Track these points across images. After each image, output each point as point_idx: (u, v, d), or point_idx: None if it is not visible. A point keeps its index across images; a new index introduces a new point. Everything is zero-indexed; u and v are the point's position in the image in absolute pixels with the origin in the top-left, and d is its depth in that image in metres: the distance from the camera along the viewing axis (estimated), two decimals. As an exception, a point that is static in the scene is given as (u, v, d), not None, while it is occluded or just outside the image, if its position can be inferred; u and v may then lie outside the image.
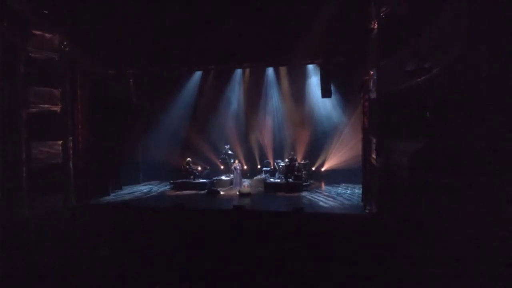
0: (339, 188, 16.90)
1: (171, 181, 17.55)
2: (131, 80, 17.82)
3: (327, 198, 14.96)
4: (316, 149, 18.37)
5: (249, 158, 19.58)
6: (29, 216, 11.73)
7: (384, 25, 10.94)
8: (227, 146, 18.94)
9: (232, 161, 18.36)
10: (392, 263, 7.20)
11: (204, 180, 17.37)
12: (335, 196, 15.32)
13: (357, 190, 15.57)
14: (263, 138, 19.36)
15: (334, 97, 16.28)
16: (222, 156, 18.85)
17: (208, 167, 19.02)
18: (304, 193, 15.86)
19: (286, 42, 14.21)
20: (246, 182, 17.80)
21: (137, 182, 18.92)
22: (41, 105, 12.89)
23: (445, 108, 6.75)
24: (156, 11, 13.89)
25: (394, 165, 9.72)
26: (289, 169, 16.71)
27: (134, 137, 18.92)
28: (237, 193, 15.92)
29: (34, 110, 12.59)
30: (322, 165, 18.37)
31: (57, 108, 13.49)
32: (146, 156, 19.27)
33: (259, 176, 18.28)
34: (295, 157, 17.52)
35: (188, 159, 17.82)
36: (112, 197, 15.92)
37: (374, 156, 12.11)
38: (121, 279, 7.26)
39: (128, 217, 11.62)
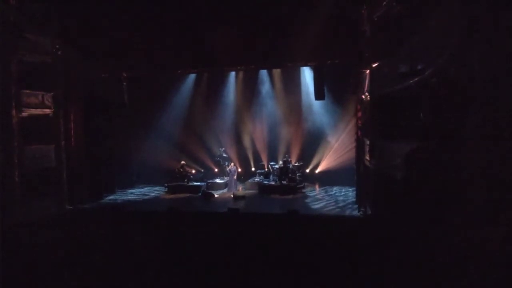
0: (333, 189, 16.93)
1: (166, 184, 17.48)
2: (124, 83, 17.76)
3: (321, 200, 15.00)
4: (310, 151, 18.41)
5: (243, 161, 19.57)
6: (22, 221, 11.61)
7: (377, 27, 11.01)
8: (222, 149, 18.94)
9: (226, 163, 18.35)
10: (387, 263, 7.21)
11: (199, 183, 17.33)
12: (329, 197, 15.36)
13: (351, 192, 15.61)
14: (257, 141, 19.35)
15: (327, 99, 16.34)
16: (216, 158, 18.84)
17: (202, 170, 18.99)
18: (298, 195, 15.88)
19: (279, 45, 14.24)
20: (239, 185, 17.81)
21: (131, 185, 18.83)
22: (33, 109, 12.80)
23: (439, 109, 6.79)
24: (149, 15, 13.87)
25: (388, 167, 9.75)
26: (283, 172, 16.73)
27: (128, 141, 18.84)
28: (232, 196, 15.90)
29: (26, 113, 12.50)
30: (316, 167, 18.41)
31: (49, 112, 13.41)
32: (140, 159, 19.18)
33: (253, 179, 18.29)
34: (289, 159, 17.55)
35: (182, 162, 17.77)
36: (105, 201, 15.83)
37: (367, 157, 12.16)
38: (116, 284, 7.21)
39: (122, 221, 11.53)
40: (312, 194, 16.28)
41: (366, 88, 12.34)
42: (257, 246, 8.64)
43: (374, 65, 11.45)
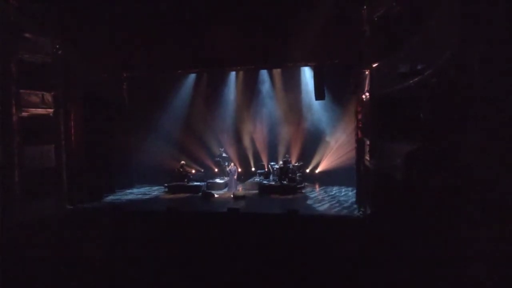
0: (333, 189, 16.93)
1: (165, 184, 17.48)
2: (124, 84, 17.77)
3: (321, 200, 15.00)
4: (310, 151, 18.41)
5: (243, 161, 19.57)
6: (22, 221, 11.61)
7: (377, 27, 11.01)
8: (222, 149, 18.94)
9: (226, 163, 18.35)
10: (387, 264, 7.22)
11: (199, 183, 17.33)
12: (329, 197, 15.36)
13: (351, 192, 15.62)
14: (257, 141, 19.35)
15: (327, 99, 16.33)
16: (216, 159, 18.84)
17: (202, 170, 19.00)
18: (298, 195, 15.87)
19: (279, 45, 14.25)
20: (239, 185, 17.82)
21: (131, 185, 18.83)
22: (33, 109, 12.80)
23: (439, 109, 6.79)
24: (149, 15, 13.87)
25: (388, 167, 9.76)
26: (283, 172, 16.72)
27: (128, 141, 18.83)
28: (232, 195, 15.90)
29: (26, 113, 12.50)
30: (316, 167, 18.41)
31: (49, 112, 13.42)
32: (140, 159, 19.17)
33: (253, 179, 18.29)
34: (289, 159, 17.55)
35: (182, 162, 17.77)
36: (105, 201, 15.83)
37: (367, 157, 12.16)
38: (116, 284, 7.22)
39: (122, 221, 11.54)
40: (312, 194, 16.27)
41: (366, 88, 12.35)
42: (257, 246, 8.66)
43: (374, 65, 11.45)
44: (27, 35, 12.44)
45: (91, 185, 15.48)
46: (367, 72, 12.15)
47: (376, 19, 10.97)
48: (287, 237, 9.20)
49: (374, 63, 11.42)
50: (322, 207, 13.64)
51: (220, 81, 19.23)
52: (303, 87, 18.37)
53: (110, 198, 16.37)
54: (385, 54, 10.34)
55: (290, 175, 16.63)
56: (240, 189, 17.12)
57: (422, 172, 7.46)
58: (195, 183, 17.33)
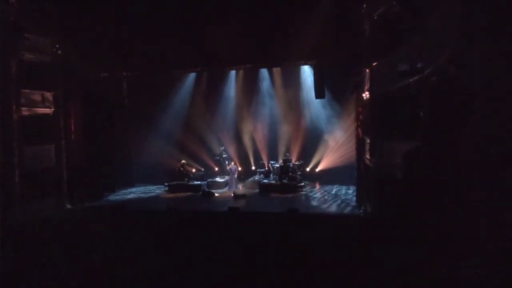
0: (334, 188, 16.93)
1: (166, 184, 17.49)
2: (124, 83, 17.76)
3: (321, 198, 15.00)
4: (310, 150, 18.39)
5: (244, 160, 19.56)
6: (22, 221, 11.62)
7: (376, 26, 11.00)
8: (222, 148, 18.93)
9: (226, 162, 18.35)
10: (387, 262, 7.22)
11: (199, 182, 17.33)
12: (329, 196, 15.36)
13: (352, 190, 15.61)
14: (257, 139, 19.34)
15: (327, 97, 16.31)
16: (216, 158, 18.83)
17: (203, 169, 18.99)
18: (299, 194, 15.87)
19: (279, 44, 14.24)
20: (239, 184, 17.83)
21: (131, 184, 18.84)
22: (33, 108, 12.81)
23: (439, 108, 6.79)
24: (150, 15, 13.86)
25: (388, 165, 9.76)
26: (284, 170, 16.72)
27: (128, 140, 18.84)
28: (232, 194, 15.90)
29: (26, 113, 12.50)
30: (316, 165, 18.40)
31: (49, 112, 13.42)
32: (140, 158, 19.18)
33: (253, 178, 18.29)
34: (289, 157, 17.54)
35: (183, 161, 17.78)
36: (105, 200, 15.84)
37: (368, 156, 12.16)
38: (116, 283, 7.22)
39: (122, 220, 11.55)
40: (312, 192, 16.27)
41: (366, 87, 12.34)
42: (257, 244, 8.66)
43: (374, 64, 11.44)
44: (27, 35, 12.42)
45: (91, 184, 15.49)
46: (367, 71, 12.13)
47: (376, 18, 10.96)
48: (287, 236, 9.21)
49: (374, 61, 11.42)
50: (323, 206, 13.63)
51: (220, 80, 19.20)
52: (302, 84, 18.34)
53: (110, 197, 16.38)
54: (385, 53, 10.33)
55: (290, 173, 16.63)
56: (240, 188, 17.13)
57: (422, 170, 7.46)
58: (196, 182, 17.34)
